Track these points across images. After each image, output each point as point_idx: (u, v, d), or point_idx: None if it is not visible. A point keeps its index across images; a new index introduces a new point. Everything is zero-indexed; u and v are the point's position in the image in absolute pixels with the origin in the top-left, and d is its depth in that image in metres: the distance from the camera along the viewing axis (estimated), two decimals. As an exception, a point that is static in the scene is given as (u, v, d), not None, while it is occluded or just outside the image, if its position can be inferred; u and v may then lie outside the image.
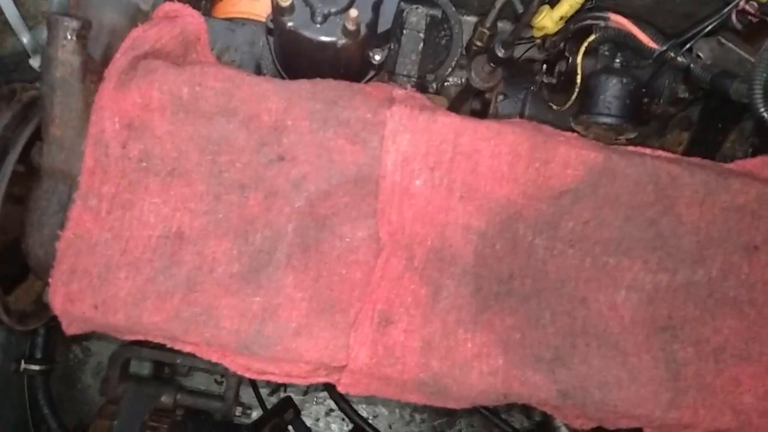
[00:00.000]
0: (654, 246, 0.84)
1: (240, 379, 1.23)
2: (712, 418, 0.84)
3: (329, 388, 1.81)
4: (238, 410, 1.23)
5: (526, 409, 1.37)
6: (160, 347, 1.21)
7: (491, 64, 1.06)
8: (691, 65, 1.01)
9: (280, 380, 0.88)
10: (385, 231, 0.83)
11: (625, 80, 1.03)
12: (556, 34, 1.14)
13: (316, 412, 1.87)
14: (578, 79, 1.11)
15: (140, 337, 0.87)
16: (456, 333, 0.83)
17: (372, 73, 0.96)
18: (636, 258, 0.84)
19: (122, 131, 0.80)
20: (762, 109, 0.88)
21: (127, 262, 0.81)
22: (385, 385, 0.85)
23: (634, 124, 1.06)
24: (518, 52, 1.22)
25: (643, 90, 1.09)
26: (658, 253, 0.84)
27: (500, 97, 1.23)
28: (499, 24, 1.18)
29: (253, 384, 1.80)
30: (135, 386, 1.21)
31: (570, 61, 1.13)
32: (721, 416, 0.84)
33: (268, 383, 1.86)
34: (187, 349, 0.87)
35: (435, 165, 0.82)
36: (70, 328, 0.84)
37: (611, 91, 1.04)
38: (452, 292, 0.83)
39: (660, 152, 0.89)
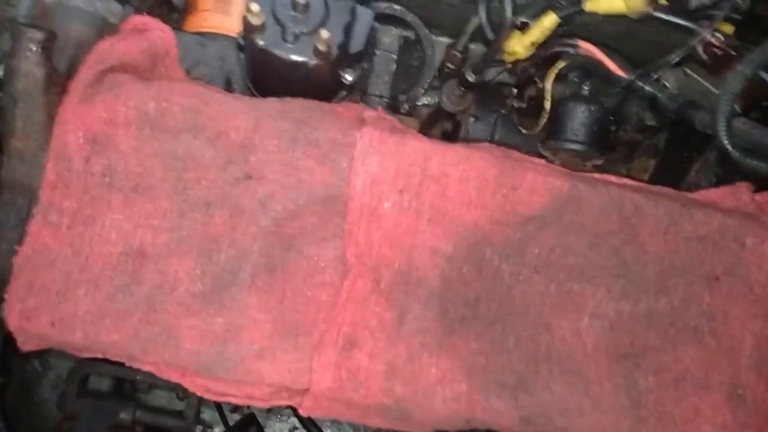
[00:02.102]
0: (617, 274, 0.85)
1: (201, 397, 1.21)
2: (671, 447, 0.85)
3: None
4: (199, 429, 1.21)
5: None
6: (120, 363, 1.20)
7: (461, 88, 1.07)
8: (658, 95, 1.03)
9: (240, 402, 0.87)
10: (352, 253, 0.83)
11: (592, 108, 1.04)
12: (527, 59, 1.15)
13: (279, 429, 1.85)
14: (547, 105, 1.12)
15: (99, 356, 0.85)
16: (420, 357, 0.82)
17: (344, 93, 0.95)
18: (600, 285, 0.85)
19: (85, 145, 0.79)
20: (725, 141, 0.90)
21: (87, 279, 0.79)
22: (348, 408, 0.84)
23: (601, 151, 1.07)
24: (491, 74, 1.24)
25: (611, 117, 1.11)
26: (621, 281, 0.85)
27: (471, 120, 1.24)
28: (472, 46, 1.19)
29: (217, 404, 1.77)
30: (93, 402, 1.18)
31: (540, 86, 1.14)
32: (680, 445, 0.85)
33: (231, 399, 1.83)
34: (147, 368, 0.85)
35: (404, 188, 0.82)
36: (25, 345, 0.82)
37: (579, 118, 1.06)
38: (418, 315, 0.83)
39: (626, 181, 0.90)
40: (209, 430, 1.26)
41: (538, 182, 0.84)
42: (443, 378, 0.83)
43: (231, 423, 1.72)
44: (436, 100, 1.20)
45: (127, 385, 1.23)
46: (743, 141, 0.92)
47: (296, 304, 0.82)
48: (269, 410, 1.86)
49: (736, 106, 0.93)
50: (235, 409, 1.84)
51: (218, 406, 1.76)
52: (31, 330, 0.78)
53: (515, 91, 1.22)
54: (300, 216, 0.82)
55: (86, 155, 0.79)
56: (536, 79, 1.15)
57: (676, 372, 0.86)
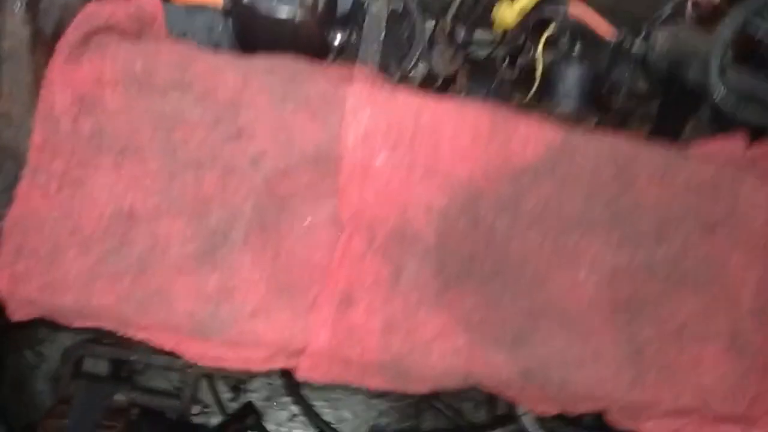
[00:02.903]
0: (614, 225, 0.84)
1: (198, 377, 1.20)
2: (673, 398, 0.84)
3: (291, 388, 1.78)
4: (196, 408, 1.20)
5: (491, 403, 1.36)
6: (114, 344, 1.18)
7: (451, 49, 1.06)
8: (648, 54, 1.03)
9: (237, 367, 0.86)
10: (346, 211, 0.82)
11: (584, 68, 1.04)
12: (516, 27, 1.15)
13: (278, 417, 1.83)
14: (538, 71, 1.12)
15: (91, 323, 0.84)
16: (417, 313, 0.82)
17: (332, 57, 0.95)
18: (596, 237, 0.84)
19: (73, 106, 0.78)
20: (718, 90, 0.89)
21: (77, 242, 0.78)
22: (346, 368, 0.83)
23: (594, 111, 1.06)
24: (482, 53, 1.24)
25: (602, 80, 1.11)
26: (618, 232, 0.84)
27: (462, 93, 1.24)
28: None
29: (213, 388, 1.76)
30: (88, 384, 1.17)
31: (530, 54, 1.14)
32: (682, 396, 0.84)
33: (228, 387, 1.82)
34: (140, 335, 0.84)
35: (396, 143, 0.81)
36: (16, 313, 0.80)
37: (570, 79, 1.05)
38: (414, 272, 0.82)
39: (619, 133, 0.89)
40: (207, 409, 1.24)
41: (531, 133, 0.83)
42: (441, 333, 0.82)
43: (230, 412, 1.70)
44: (426, 70, 1.20)
45: (122, 366, 1.22)
46: (736, 90, 0.92)
47: (290, 264, 0.81)
48: (268, 398, 1.84)
49: (729, 58, 0.94)
50: (234, 397, 1.82)
51: (215, 394, 1.74)
52: (22, 295, 0.77)
53: (506, 61, 1.22)
54: (292, 174, 0.81)
55: (74, 116, 0.78)
56: (527, 47, 1.15)
57: (676, 322, 0.85)
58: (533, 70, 1.12)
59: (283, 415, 1.83)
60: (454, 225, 0.83)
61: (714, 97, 0.92)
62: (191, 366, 1.16)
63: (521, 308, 0.84)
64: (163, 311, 0.78)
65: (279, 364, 0.85)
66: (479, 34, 1.18)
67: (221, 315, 0.79)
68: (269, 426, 1.72)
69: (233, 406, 1.76)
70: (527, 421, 0.99)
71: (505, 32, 1.18)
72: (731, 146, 0.92)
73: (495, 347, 0.82)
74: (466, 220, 0.83)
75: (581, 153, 0.84)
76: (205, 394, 1.65)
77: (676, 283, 0.85)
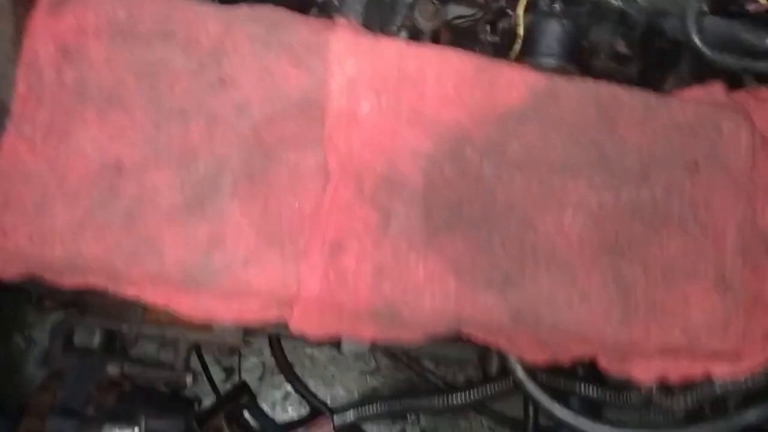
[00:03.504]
0: (598, 166, 0.85)
1: (191, 346, 1.20)
2: (662, 336, 0.85)
3: (285, 365, 1.77)
4: (189, 378, 1.19)
5: (485, 374, 1.37)
6: (104, 314, 1.18)
7: (434, 2, 1.07)
8: (628, 8, 1.04)
9: (230, 320, 0.86)
10: (333, 159, 0.82)
11: (564, 22, 1.05)
12: (496, -10, 1.16)
13: (272, 396, 1.83)
14: (520, 32, 1.13)
15: (80, 280, 0.84)
16: (408, 258, 0.82)
17: (315, 10, 0.95)
18: (581, 179, 0.85)
19: (57, 56, 0.78)
20: (696, 38, 0.91)
21: (64, 193, 0.78)
22: (339, 316, 0.84)
23: (576, 66, 1.07)
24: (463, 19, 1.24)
25: (583, 38, 1.12)
26: (602, 173, 0.85)
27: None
28: None
29: (207, 371, 1.76)
30: (79, 358, 1.17)
31: (511, 16, 1.14)
32: (671, 334, 0.86)
33: (222, 368, 1.82)
34: (131, 291, 0.84)
35: (381, 89, 0.82)
36: (5, 270, 0.80)
37: (551, 34, 1.06)
38: (403, 217, 0.83)
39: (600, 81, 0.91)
40: (200, 376, 1.23)
41: (515, 77, 0.84)
42: (431, 277, 0.82)
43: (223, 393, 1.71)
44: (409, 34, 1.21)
45: (113, 338, 1.21)
46: (714, 38, 0.93)
47: (279, 212, 0.81)
48: (261, 378, 1.84)
49: (705, 7, 0.95)
50: (228, 377, 1.82)
51: (209, 376, 1.74)
52: (10, 247, 0.77)
53: (488, 27, 1.23)
54: (278, 122, 0.81)
55: (58, 66, 0.78)
56: (508, 9, 1.16)
57: (663, 262, 0.86)
58: (515, 33, 1.13)
59: (277, 394, 1.84)
60: (442, 170, 0.84)
61: (692, 43, 0.94)
62: (184, 333, 1.16)
63: (510, 251, 0.84)
64: (154, 261, 0.78)
65: (271, 315, 0.85)
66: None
67: (213, 264, 0.79)
68: (263, 405, 1.72)
69: (227, 388, 1.76)
70: (519, 373, 0.99)
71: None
72: (710, 92, 0.93)
73: (485, 290, 0.83)
74: (453, 165, 0.84)
75: (564, 96, 0.85)
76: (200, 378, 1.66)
77: (661, 223, 0.86)
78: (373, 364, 1.82)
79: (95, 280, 0.84)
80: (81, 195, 0.78)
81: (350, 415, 1.14)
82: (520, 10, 1.12)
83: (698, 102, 0.89)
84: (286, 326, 1.19)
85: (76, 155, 0.79)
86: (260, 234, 0.80)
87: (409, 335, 0.87)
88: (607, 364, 0.92)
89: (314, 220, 0.82)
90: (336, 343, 1.19)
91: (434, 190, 0.84)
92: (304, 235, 0.81)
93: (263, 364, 1.86)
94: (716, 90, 0.93)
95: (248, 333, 1.19)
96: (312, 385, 1.77)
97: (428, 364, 1.64)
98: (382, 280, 0.81)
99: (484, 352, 1.22)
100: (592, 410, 1.02)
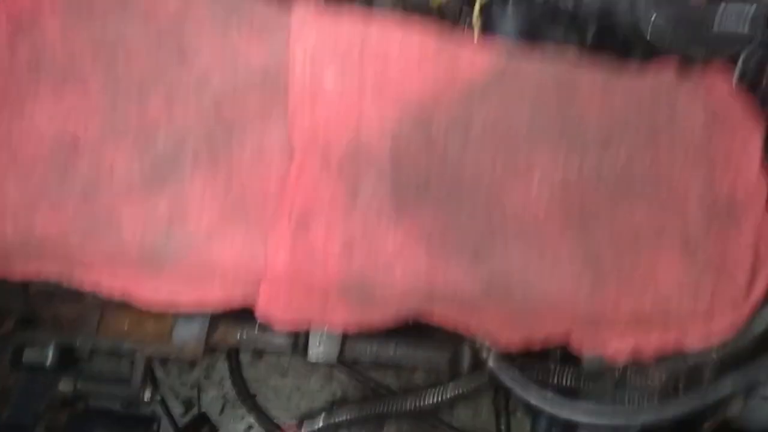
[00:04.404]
0: (560, 138, 0.86)
1: (148, 360, 1.14)
2: (633, 303, 0.85)
3: (245, 395, 1.71)
4: (148, 393, 1.13)
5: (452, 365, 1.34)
6: (55, 327, 1.12)
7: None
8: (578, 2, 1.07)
9: (193, 305, 0.82)
10: (298, 135, 0.81)
11: (520, 9, 1.07)
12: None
13: (234, 430, 1.75)
14: (476, 33, 1.15)
15: (33, 266, 0.80)
16: (376, 232, 0.81)
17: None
18: (545, 151, 0.86)
19: (10, 33, 0.76)
20: (647, 20, 0.94)
21: (17, 172, 0.75)
22: (308, 295, 0.81)
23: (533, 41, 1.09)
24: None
25: (537, 34, 1.14)
26: (564, 145, 0.86)
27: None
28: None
29: (164, 403, 1.68)
30: (28, 375, 1.10)
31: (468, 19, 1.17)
32: (641, 300, 0.85)
33: (180, 402, 1.74)
34: (87, 279, 0.80)
35: (344, 64, 0.82)
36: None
37: (508, 24, 1.08)
38: (371, 191, 0.81)
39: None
40: (158, 396, 1.17)
41: (476, 53, 0.85)
42: (401, 251, 0.81)
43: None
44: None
45: (67, 354, 1.14)
46: (665, 19, 0.96)
47: (243, 188, 0.79)
48: (221, 411, 1.77)
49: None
50: (186, 411, 1.74)
51: (166, 409, 1.66)
52: (-42, 227, 0.73)
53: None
54: (239, 98, 0.80)
55: (11, 44, 0.76)
56: (464, 11, 1.19)
57: (629, 231, 0.86)
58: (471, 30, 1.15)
59: (240, 427, 1.76)
60: (407, 145, 0.83)
61: (644, 27, 0.97)
62: (141, 345, 1.11)
63: (478, 224, 0.84)
64: (112, 239, 0.75)
65: (237, 298, 0.82)
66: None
67: (174, 240, 0.76)
68: (226, 438, 1.65)
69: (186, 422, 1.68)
70: (492, 362, 0.97)
71: (440, 6, 1.21)
72: (663, 72, 0.96)
73: (455, 262, 0.82)
74: (419, 140, 0.84)
75: (524, 70, 0.86)
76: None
77: (625, 192, 0.87)
78: (339, 394, 1.77)
79: (49, 267, 0.80)
80: (34, 172, 0.75)
81: (320, 421, 1.09)
82: (476, 16, 1.14)
83: (654, 77, 0.91)
84: (250, 327, 1.16)
85: (30, 132, 0.76)
86: (224, 209, 0.78)
87: (381, 314, 0.85)
88: (580, 342, 0.91)
89: (280, 195, 0.80)
90: (303, 347, 1.15)
91: (401, 165, 0.83)
92: (269, 209, 0.79)
93: (224, 397, 1.79)
94: (669, 70, 0.96)
95: (208, 344, 1.14)
96: (276, 416, 1.71)
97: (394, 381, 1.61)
98: (352, 253, 0.79)
99: (454, 353, 1.20)
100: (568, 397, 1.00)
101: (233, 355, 1.78)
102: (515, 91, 0.86)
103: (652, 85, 0.89)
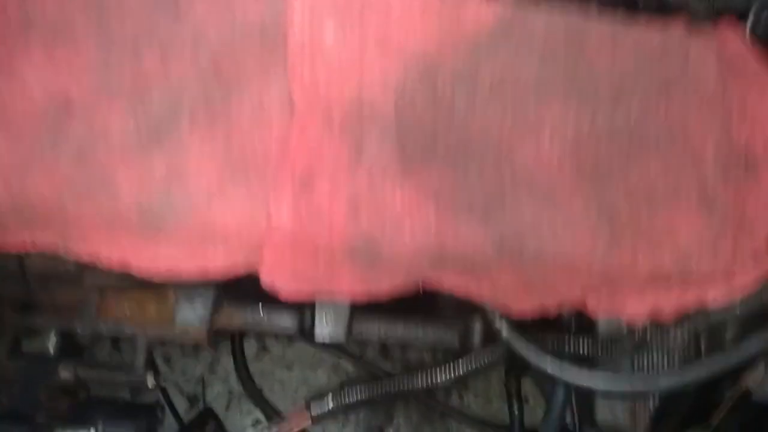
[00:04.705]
0: (571, 91, 0.83)
1: (150, 344, 1.11)
2: (651, 260, 0.82)
3: (253, 394, 1.68)
4: (151, 379, 1.10)
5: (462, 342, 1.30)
6: (54, 313, 1.09)
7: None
8: None
9: (194, 272, 0.79)
10: (299, 92, 0.78)
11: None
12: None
13: (241, 425, 1.72)
14: None
15: (27, 234, 0.77)
16: (383, 188, 0.78)
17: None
18: (555, 105, 0.83)
19: (-3, -10, 0.73)
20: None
21: (8, 134, 0.72)
22: (314, 259, 0.78)
23: None
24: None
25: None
26: (575, 98, 0.83)
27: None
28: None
29: (168, 399, 1.65)
30: (27, 363, 1.07)
31: None
32: (660, 257, 0.82)
33: (185, 397, 1.71)
34: (84, 249, 0.78)
35: (345, 17, 0.79)
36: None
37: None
38: (376, 148, 0.78)
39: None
40: (163, 382, 1.14)
41: (482, 3, 0.82)
42: (409, 209, 0.78)
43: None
44: None
45: (67, 340, 1.11)
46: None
47: (243, 147, 0.76)
48: (228, 406, 1.74)
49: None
50: (191, 406, 1.71)
51: (171, 404, 1.64)
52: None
53: None
54: (237, 54, 0.77)
55: (1, 1, 0.73)
56: None
57: (645, 186, 0.83)
58: None
59: (247, 421, 1.73)
60: (413, 100, 0.80)
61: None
62: (143, 329, 1.08)
63: (489, 181, 0.81)
64: (108, 201, 0.72)
65: (240, 264, 0.79)
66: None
67: (174, 200, 0.73)
68: (232, 433, 1.62)
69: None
70: (506, 331, 0.94)
71: None
72: (673, 23, 0.93)
73: (466, 219, 0.79)
74: (425, 94, 0.81)
75: (532, 20, 0.83)
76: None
77: (639, 147, 0.84)
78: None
79: (44, 236, 0.77)
80: (26, 133, 0.72)
81: (329, 402, 1.06)
82: None
83: (664, 29, 0.88)
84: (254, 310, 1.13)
85: (21, 92, 0.73)
86: (224, 168, 0.75)
87: (389, 281, 0.82)
88: (596, 305, 0.88)
89: (281, 154, 0.77)
90: (309, 328, 1.12)
91: (406, 121, 0.80)
92: (271, 169, 0.76)
93: (230, 392, 1.76)
94: (679, 23, 0.93)
95: (213, 328, 1.11)
96: (283, 410, 1.67)
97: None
98: (358, 211, 0.76)
99: (464, 331, 1.17)
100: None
101: (238, 349, 1.75)
102: (523, 44, 0.83)
103: (663, 37, 0.86)
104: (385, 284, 0.82)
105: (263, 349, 1.77)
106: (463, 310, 1.17)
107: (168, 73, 0.75)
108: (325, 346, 1.72)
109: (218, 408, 1.68)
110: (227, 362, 1.74)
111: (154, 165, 0.73)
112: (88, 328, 1.08)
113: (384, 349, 1.78)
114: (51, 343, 1.09)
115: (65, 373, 1.08)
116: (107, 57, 0.75)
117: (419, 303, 1.18)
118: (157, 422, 1.11)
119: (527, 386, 1.51)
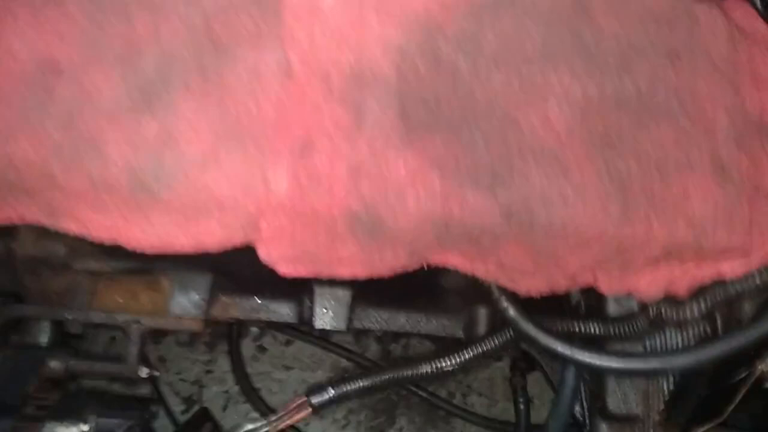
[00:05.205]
0: (579, 57, 0.80)
1: (144, 334, 1.07)
2: (667, 232, 0.79)
3: (251, 395, 1.64)
4: (144, 371, 1.05)
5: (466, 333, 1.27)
6: (44, 302, 1.05)
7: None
8: None
9: (189, 246, 0.75)
10: (296, 56, 0.75)
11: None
12: None
13: (237, 427, 1.67)
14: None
15: (12, 208, 0.73)
16: (386, 156, 0.74)
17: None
18: (563, 70, 0.80)
19: (-18, -51, 0.70)
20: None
21: (-5, 98, 0.69)
22: (314, 228, 0.75)
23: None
24: None
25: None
26: (583, 64, 0.80)
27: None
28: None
29: (164, 401, 1.61)
30: (16, 353, 1.03)
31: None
32: (675, 229, 0.79)
33: (181, 399, 1.67)
34: (74, 220, 0.74)
35: (343, -22, 0.76)
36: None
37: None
38: (377, 114, 0.75)
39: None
40: (157, 373, 1.10)
41: (483, -35, 0.79)
42: (414, 177, 0.74)
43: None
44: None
45: (58, 330, 1.07)
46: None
47: (238, 112, 0.73)
48: (225, 407, 1.69)
49: None
50: (187, 408, 1.66)
51: (166, 406, 1.59)
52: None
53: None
54: (231, 15, 0.74)
55: (-16, -38, 0.70)
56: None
57: (656, 154, 0.80)
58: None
59: (244, 423, 1.67)
60: (415, 65, 0.77)
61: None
62: (137, 318, 1.04)
63: (495, 149, 0.77)
64: (98, 165, 0.69)
65: (236, 237, 0.76)
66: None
67: (166, 165, 0.70)
68: (228, 434, 1.57)
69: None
70: (512, 312, 0.90)
71: None
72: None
73: (472, 189, 0.75)
74: (427, 59, 0.78)
75: (537, -18, 0.81)
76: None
77: (649, 114, 0.81)
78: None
79: (32, 208, 0.74)
80: (13, 98, 0.69)
81: (329, 393, 1.02)
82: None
83: (670, -4, 0.85)
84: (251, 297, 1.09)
85: (7, 56, 0.70)
86: (218, 134, 0.72)
87: (392, 254, 0.78)
88: (608, 282, 0.85)
89: (279, 120, 0.74)
90: (309, 316, 1.08)
91: (409, 86, 0.77)
92: (267, 135, 0.73)
93: (227, 393, 1.72)
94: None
95: (208, 316, 1.07)
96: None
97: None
98: (360, 179, 0.73)
99: (468, 319, 1.13)
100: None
101: (235, 349, 1.71)
102: (528, 6, 0.80)
103: (672, 3, 0.84)
104: (388, 259, 0.79)
105: (261, 349, 1.73)
106: (467, 299, 1.13)
107: (159, 35, 0.73)
108: (324, 345, 1.69)
109: (215, 409, 1.63)
110: (224, 363, 1.69)
111: (144, 129, 0.70)
112: (80, 318, 1.04)
113: (384, 349, 1.74)
114: (41, 333, 1.05)
115: (55, 364, 1.03)
116: (96, 19, 0.72)
117: (421, 291, 1.15)
118: (150, 416, 1.07)
119: (532, 387, 1.47)
